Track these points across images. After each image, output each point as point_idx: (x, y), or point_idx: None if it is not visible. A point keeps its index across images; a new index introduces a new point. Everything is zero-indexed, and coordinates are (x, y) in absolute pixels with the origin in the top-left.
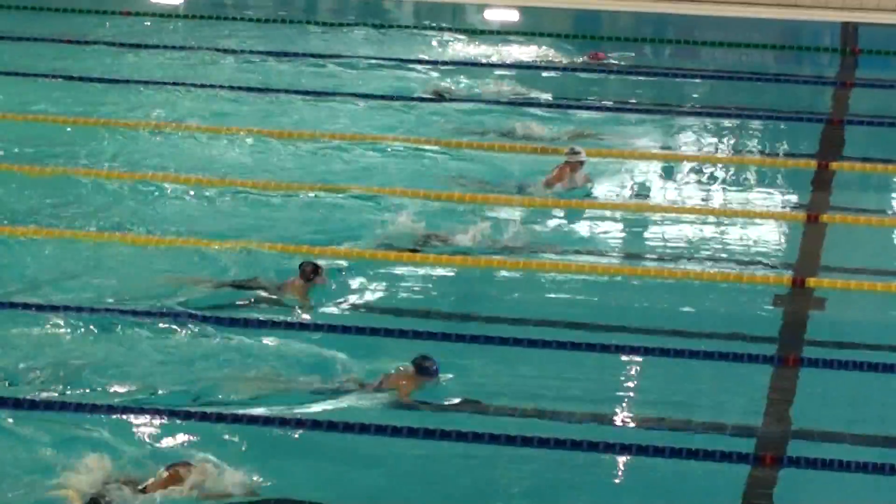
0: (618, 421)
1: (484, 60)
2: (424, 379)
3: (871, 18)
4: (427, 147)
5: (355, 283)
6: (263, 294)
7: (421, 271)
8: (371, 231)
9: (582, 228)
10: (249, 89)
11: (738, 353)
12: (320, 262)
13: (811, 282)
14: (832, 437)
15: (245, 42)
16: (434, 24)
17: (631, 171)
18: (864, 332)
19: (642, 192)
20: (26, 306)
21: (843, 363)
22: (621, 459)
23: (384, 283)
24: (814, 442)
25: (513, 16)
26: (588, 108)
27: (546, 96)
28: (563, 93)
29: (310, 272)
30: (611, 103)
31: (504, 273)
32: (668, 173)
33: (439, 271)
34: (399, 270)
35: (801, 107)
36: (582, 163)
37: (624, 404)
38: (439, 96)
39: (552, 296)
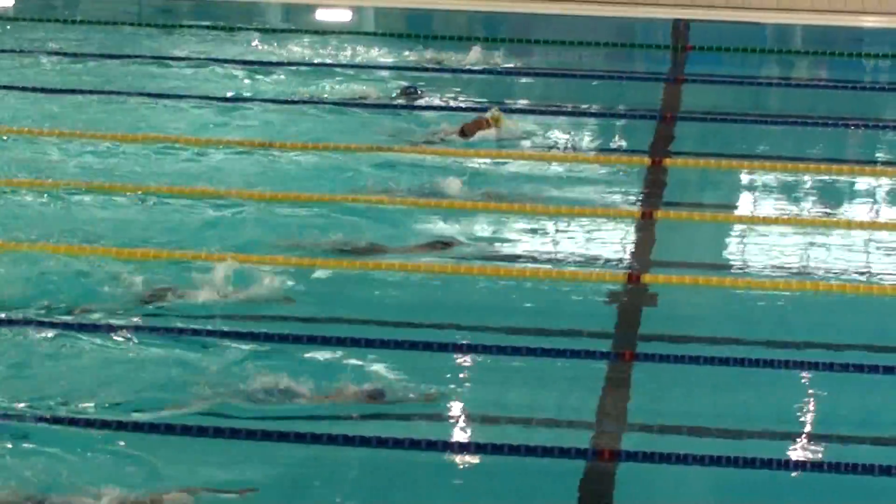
0: (452, 419)
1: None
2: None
3: (703, 15)
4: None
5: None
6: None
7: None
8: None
9: (424, 225)
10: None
11: (574, 349)
12: None
13: (646, 278)
14: (669, 430)
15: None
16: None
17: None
18: (697, 327)
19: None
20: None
21: (679, 357)
22: (459, 458)
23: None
24: (651, 435)
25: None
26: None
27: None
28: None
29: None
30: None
31: None
32: (502, 172)
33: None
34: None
35: (635, 104)
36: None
37: (460, 402)
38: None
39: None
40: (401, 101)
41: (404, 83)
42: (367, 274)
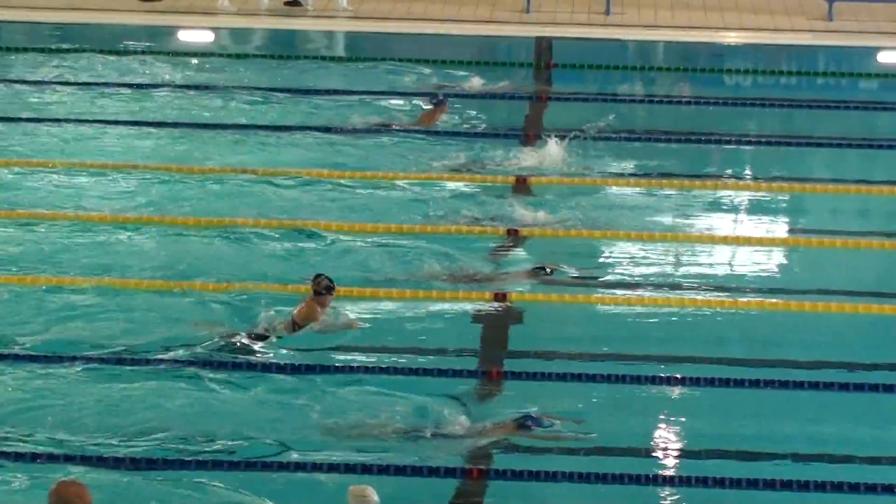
0: (315, 443)
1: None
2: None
3: (564, 33)
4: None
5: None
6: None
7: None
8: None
9: None
10: None
11: (442, 368)
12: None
13: (512, 296)
14: (537, 449)
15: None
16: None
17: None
18: (563, 343)
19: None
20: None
21: (546, 375)
22: (322, 477)
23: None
24: (520, 454)
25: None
26: None
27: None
28: None
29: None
30: None
31: None
32: (361, 191)
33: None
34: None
35: (499, 122)
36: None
37: (328, 424)
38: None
39: None
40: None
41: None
42: None
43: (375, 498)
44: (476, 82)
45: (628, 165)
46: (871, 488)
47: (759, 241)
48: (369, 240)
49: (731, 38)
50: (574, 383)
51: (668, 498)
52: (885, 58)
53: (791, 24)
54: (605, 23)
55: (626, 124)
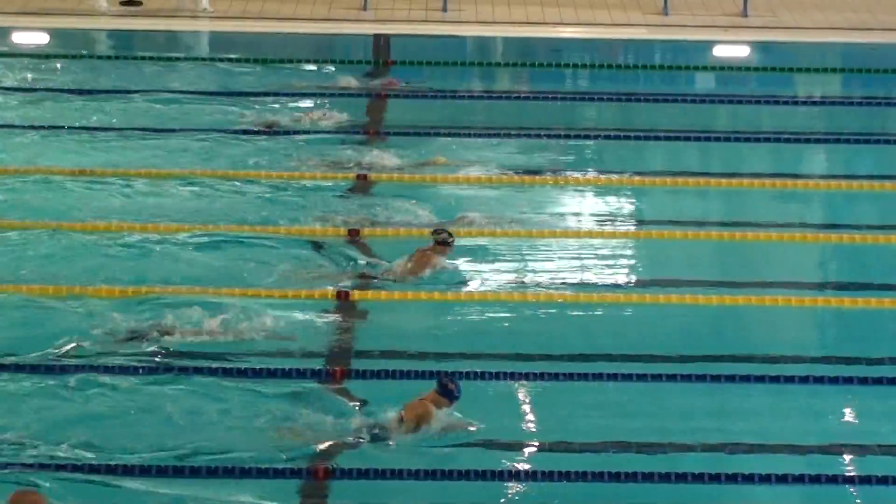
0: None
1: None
2: (446, 401)
3: (402, 30)
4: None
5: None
6: None
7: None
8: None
9: None
10: None
11: (285, 368)
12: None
13: (355, 295)
14: (386, 448)
15: None
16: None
17: None
18: (407, 341)
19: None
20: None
21: (391, 373)
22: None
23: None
24: (361, 451)
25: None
26: None
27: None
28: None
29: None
30: None
31: None
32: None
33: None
34: None
35: (342, 121)
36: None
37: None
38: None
39: None
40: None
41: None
42: None
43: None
44: (353, 82)
45: (471, 160)
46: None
47: (601, 235)
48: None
49: (568, 32)
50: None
51: (534, 491)
52: (720, 51)
53: (627, 19)
54: (442, 19)
55: (466, 121)
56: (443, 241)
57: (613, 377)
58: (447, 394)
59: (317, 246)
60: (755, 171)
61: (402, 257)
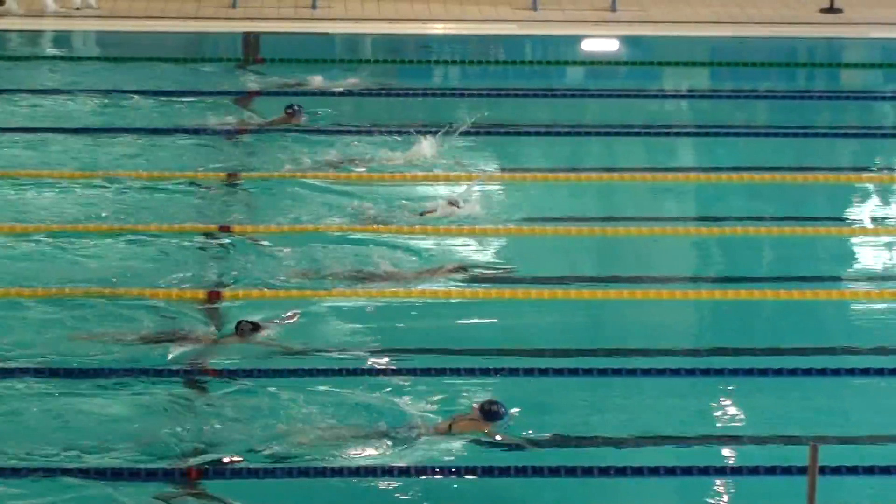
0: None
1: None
2: (491, 424)
3: (271, 28)
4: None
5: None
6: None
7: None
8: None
9: None
10: None
11: (158, 368)
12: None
13: (226, 294)
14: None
15: None
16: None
17: None
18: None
19: None
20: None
21: (263, 371)
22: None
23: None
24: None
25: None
26: None
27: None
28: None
29: (247, 330)
30: None
31: None
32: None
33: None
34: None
35: (207, 119)
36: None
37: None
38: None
39: None
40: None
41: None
42: None
43: None
44: (318, 81)
45: (339, 158)
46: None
47: (472, 232)
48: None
49: (438, 29)
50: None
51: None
52: (589, 46)
53: (497, 14)
54: (312, 17)
55: (335, 119)
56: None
57: (499, 371)
58: (492, 416)
59: (186, 244)
60: (626, 165)
61: None
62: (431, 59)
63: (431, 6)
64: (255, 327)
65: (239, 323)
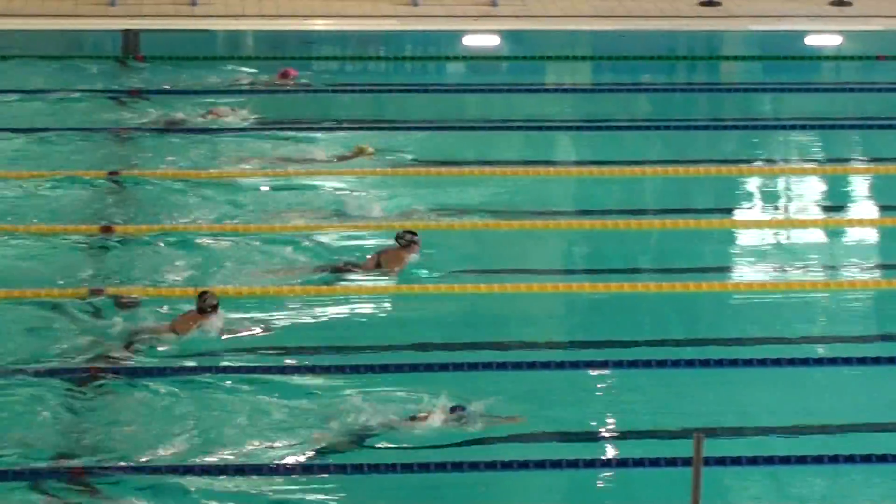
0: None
1: None
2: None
3: (151, 25)
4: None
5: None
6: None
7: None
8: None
9: None
10: None
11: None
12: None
13: (109, 291)
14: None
15: None
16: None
17: None
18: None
19: None
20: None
21: (162, 370)
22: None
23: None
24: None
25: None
26: None
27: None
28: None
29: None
30: None
31: None
32: None
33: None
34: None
35: (85, 117)
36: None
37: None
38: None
39: None
40: None
41: None
42: None
43: None
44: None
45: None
46: None
47: (355, 227)
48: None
49: (319, 25)
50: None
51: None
52: (470, 41)
53: (378, 11)
54: (192, 14)
55: (218, 116)
56: (409, 241)
57: (373, 369)
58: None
59: (68, 244)
60: (508, 158)
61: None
62: (312, 55)
63: (313, 2)
64: (215, 308)
65: (203, 294)
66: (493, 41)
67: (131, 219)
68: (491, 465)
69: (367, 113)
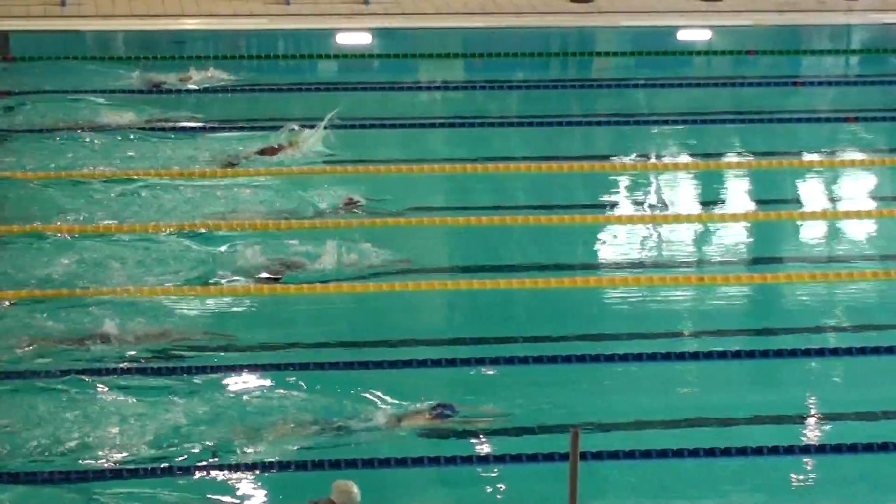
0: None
1: None
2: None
3: (20, 26)
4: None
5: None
6: None
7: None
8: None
9: None
10: None
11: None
12: None
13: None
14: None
15: None
16: None
17: None
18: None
19: None
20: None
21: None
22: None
23: None
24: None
25: None
26: None
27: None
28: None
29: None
30: None
31: None
32: None
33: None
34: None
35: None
36: None
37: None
38: None
39: None
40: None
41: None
42: None
43: (357, 490)
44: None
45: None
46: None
47: (206, 226)
48: None
49: (190, 24)
50: None
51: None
52: (343, 39)
53: (249, 10)
54: (62, 14)
55: (83, 117)
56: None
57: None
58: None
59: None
60: (382, 157)
61: None
62: (184, 54)
63: (183, 2)
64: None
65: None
66: (365, 39)
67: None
68: (351, 464)
69: (241, 113)
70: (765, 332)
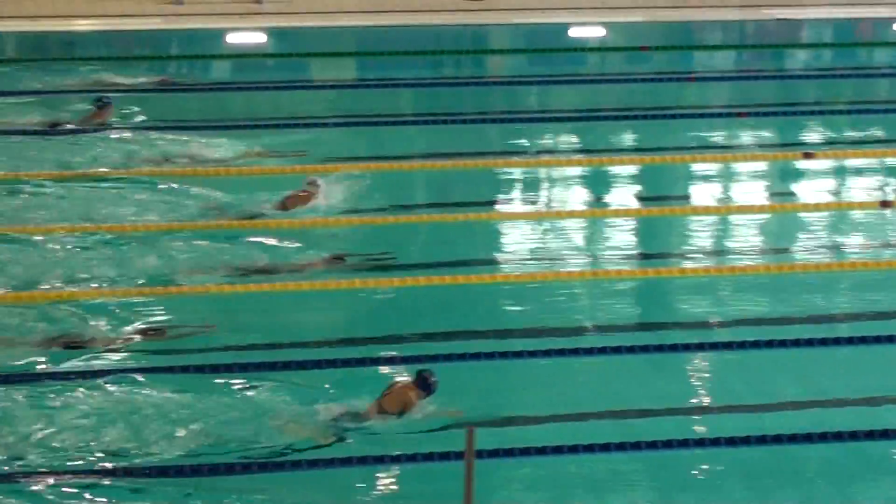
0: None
1: None
2: (423, 393)
3: None
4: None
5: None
6: None
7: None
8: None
9: None
10: None
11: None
12: None
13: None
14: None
15: None
16: None
17: None
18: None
19: None
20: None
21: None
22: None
23: None
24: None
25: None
26: None
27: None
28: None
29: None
30: None
31: None
32: None
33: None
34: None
35: None
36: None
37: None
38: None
39: None
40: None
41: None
42: None
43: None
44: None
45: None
46: None
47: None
48: None
49: (82, 25)
50: None
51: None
52: (235, 39)
53: (141, 10)
54: None
55: None
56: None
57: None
58: (427, 387)
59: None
60: (274, 154)
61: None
62: (76, 55)
63: (73, 3)
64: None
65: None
66: (258, 38)
67: None
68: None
69: (135, 113)
70: (654, 327)
